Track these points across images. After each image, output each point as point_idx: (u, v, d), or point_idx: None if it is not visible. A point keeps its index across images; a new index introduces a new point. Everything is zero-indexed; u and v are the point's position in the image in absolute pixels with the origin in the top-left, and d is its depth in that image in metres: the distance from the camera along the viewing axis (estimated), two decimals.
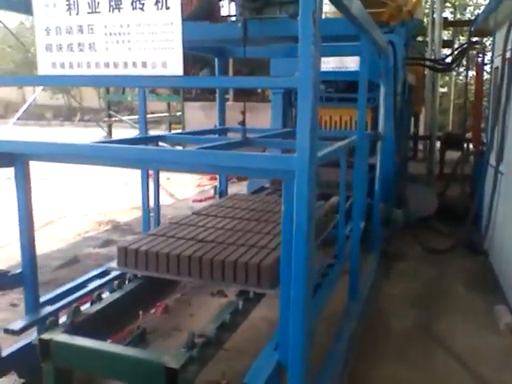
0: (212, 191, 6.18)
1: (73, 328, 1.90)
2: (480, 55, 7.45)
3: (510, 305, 3.32)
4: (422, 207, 5.07)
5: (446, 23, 10.29)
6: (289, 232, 1.62)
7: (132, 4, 1.61)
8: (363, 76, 2.75)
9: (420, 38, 8.40)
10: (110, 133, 11.07)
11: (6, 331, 1.92)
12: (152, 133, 11.28)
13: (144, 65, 1.66)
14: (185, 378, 1.62)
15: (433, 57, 8.25)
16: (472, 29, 5.60)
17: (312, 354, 1.86)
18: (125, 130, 11.03)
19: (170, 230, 2.66)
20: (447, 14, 14.92)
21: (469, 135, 7.86)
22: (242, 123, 3.05)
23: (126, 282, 2.43)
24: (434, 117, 8.23)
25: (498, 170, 4.06)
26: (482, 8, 5.36)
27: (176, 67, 1.62)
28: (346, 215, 2.93)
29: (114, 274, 2.54)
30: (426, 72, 8.04)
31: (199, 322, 2.68)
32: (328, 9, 5.22)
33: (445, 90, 16.20)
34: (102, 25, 1.69)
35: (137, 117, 9.78)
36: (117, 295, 2.23)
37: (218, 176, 4.36)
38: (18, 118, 11.79)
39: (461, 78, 15.14)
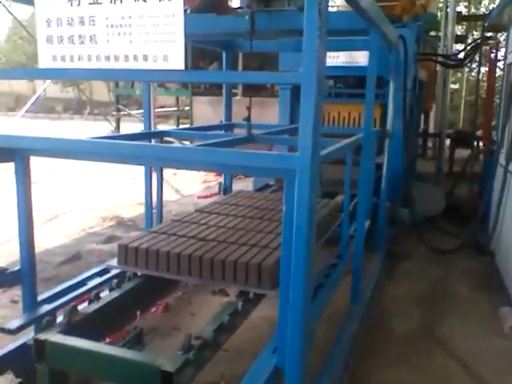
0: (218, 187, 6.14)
1: (69, 328, 1.87)
2: (493, 51, 7.30)
3: None
4: (429, 206, 5.00)
5: (460, 18, 10.11)
6: (289, 233, 1.57)
7: None
8: (371, 71, 2.68)
9: (433, 33, 8.25)
10: (118, 127, 11.07)
11: (2, 330, 1.89)
12: (160, 127, 11.33)
13: (145, 58, 1.62)
14: (180, 381, 1.59)
15: (445, 52, 8.10)
16: (486, 24, 5.46)
17: (312, 356, 1.83)
18: (133, 124, 11.04)
19: (172, 227, 2.62)
20: (461, 8, 14.70)
21: (479, 133, 7.73)
22: (247, 119, 3.00)
23: (127, 281, 2.38)
24: (444, 114, 8.10)
25: (507, 169, 3.97)
26: (497, 2, 5.23)
27: (177, 61, 1.58)
28: (350, 214, 2.88)
29: (114, 271, 2.51)
30: (437, 68, 7.89)
31: (199, 322, 2.65)
32: (340, 2, 5.13)
33: (456, 86, 15.98)
34: (104, 16, 1.65)
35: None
36: (115, 294, 2.19)
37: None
38: (29, 111, 11.86)
39: (473, 74, 14.91)
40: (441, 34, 9.10)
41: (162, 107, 13.96)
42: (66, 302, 2.20)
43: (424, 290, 3.71)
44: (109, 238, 4.45)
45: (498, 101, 6.73)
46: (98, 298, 2.10)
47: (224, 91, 4.05)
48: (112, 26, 1.64)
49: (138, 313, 2.20)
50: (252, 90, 9.33)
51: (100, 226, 4.98)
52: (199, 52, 9.70)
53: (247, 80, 2.29)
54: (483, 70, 10.31)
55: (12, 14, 9.67)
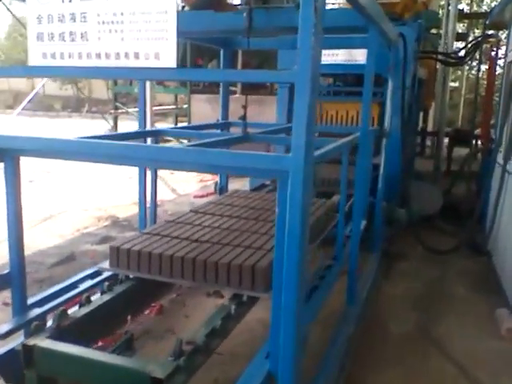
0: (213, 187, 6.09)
1: (58, 333, 1.83)
2: (494, 49, 7.26)
3: None
4: (426, 205, 4.97)
5: (461, 15, 10.06)
6: (282, 235, 1.54)
7: None
8: (369, 69, 2.64)
9: (434, 31, 8.20)
10: (115, 125, 11.02)
11: None
12: (158, 125, 11.26)
13: (136, 56, 1.58)
14: None
15: (445, 50, 8.05)
16: (487, 21, 5.42)
17: (307, 359, 1.79)
18: (132, 122, 10.97)
19: (166, 228, 2.58)
20: (463, 6, 14.63)
21: (478, 131, 7.69)
22: (243, 118, 2.95)
23: (119, 283, 2.34)
24: (442, 112, 8.06)
25: (505, 168, 3.93)
26: (499, 0, 5.18)
27: (169, 59, 1.54)
28: (346, 215, 2.84)
29: (106, 274, 2.46)
30: (437, 66, 7.85)
31: (194, 324, 2.61)
32: None
33: (456, 84, 15.93)
34: (95, 13, 1.61)
35: None
36: (107, 297, 2.15)
37: None
38: (27, 109, 11.81)
39: (473, 72, 14.86)
40: (442, 31, 9.05)
41: (161, 105, 13.90)
42: (57, 305, 2.15)
43: (421, 290, 3.68)
44: (103, 239, 4.40)
45: (497, 99, 6.68)
46: (88, 301, 2.06)
47: (221, 89, 3.99)
48: (103, 22, 1.60)
49: (129, 317, 2.15)
50: (251, 88, 9.29)
51: (95, 226, 4.93)
52: (198, 50, 9.63)
53: (240, 78, 2.26)
54: (483, 68, 10.27)
55: (11, 12, 9.59)
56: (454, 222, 4.98)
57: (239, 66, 9.53)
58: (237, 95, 8.98)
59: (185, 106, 11.42)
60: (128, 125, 10.69)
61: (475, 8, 16.51)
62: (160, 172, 5.20)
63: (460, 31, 12.65)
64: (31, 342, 1.74)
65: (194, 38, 3.89)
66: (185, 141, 6.47)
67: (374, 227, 3.70)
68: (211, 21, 2.86)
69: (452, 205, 5.27)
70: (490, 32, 6.44)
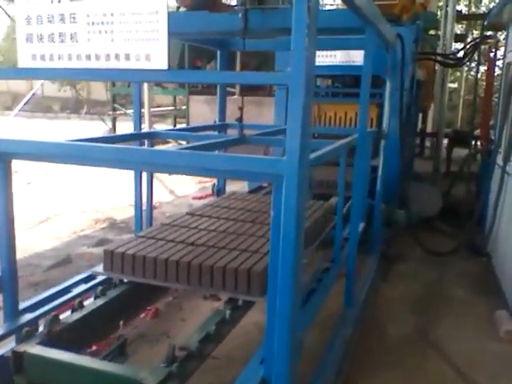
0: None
1: (49, 339, 1.80)
2: (492, 50, 7.24)
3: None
4: (425, 207, 4.95)
5: (459, 17, 10.04)
6: (277, 239, 1.51)
7: None
8: (367, 71, 2.61)
9: (432, 32, 8.18)
10: (114, 127, 10.98)
11: None
12: (157, 127, 11.23)
13: (127, 57, 1.55)
14: None
15: (444, 51, 8.03)
16: (485, 22, 5.40)
17: (304, 362, 1.76)
18: (130, 124, 10.92)
19: (161, 231, 2.55)
20: (462, 7, 14.63)
21: (477, 132, 7.67)
22: (239, 120, 2.92)
23: (113, 288, 2.31)
24: (441, 113, 8.03)
25: (505, 170, 3.91)
26: (497, 0, 5.16)
27: (160, 60, 1.51)
28: (345, 217, 2.81)
29: (100, 278, 2.43)
30: (436, 67, 7.83)
31: (190, 328, 2.57)
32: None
33: (455, 85, 15.91)
34: (85, 13, 1.58)
35: (142, 110, 9.71)
36: (100, 302, 2.12)
37: None
38: (26, 110, 11.77)
39: (472, 73, 14.85)
40: (440, 32, 9.03)
41: (159, 106, 13.88)
42: (49, 310, 2.11)
43: (419, 292, 3.66)
44: (100, 241, 4.37)
45: (496, 100, 6.66)
46: (81, 306, 2.03)
47: (218, 91, 3.97)
48: (93, 23, 1.57)
49: (121, 322, 2.12)
50: (249, 90, 9.25)
51: (92, 228, 4.90)
52: (196, 51, 9.61)
53: (232, 80, 2.23)
54: (482, 69, 10.26)
55: (7, 14, 9.56)
56: (454, 223, 4.96)
57: (238, 67, 9.50)
58: (235, 96, 8.95)
59: (183, 107, 11.39)
60: (127, 126, 10.66)
61: (473, 9, 16.50)
62: (158, 173, 5.18)
63: (458, 32, 12.65)
64: (21, 348, 1.71)
65: (191, 39, 3.86)
66: (183, 142, 6.44)
67: (372, 229, 3.67)
68: (206, 22, 2.84)
69: (451, 206, 5.24)
70: (489, 33, 6.43)
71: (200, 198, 6.23)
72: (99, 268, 2.28)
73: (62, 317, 1.99)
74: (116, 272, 2.23)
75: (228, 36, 3.63)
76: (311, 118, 1.52)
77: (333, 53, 4.53)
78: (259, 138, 3.13)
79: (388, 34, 3.04)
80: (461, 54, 6.23)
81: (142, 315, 2.88)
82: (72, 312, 2.01)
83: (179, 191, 6.87)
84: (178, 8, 3.29)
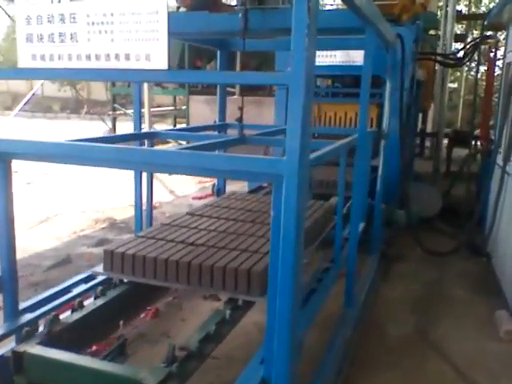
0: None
1: (49, 339, 1.80)
2: (492, 50, 7.23)
3: None
4: (425, 207, 4.95)
5: (459, 17, 10.02)
6: (277, 239, 1.51)
7: None
8: (367, 70, 2.61)
9: (432, 32, 8.18)
10: (114, 127, 10.97)
11: None
12: (157, 127, 11.20)
13: (127, 57, 1.55)
14: None
15: (444, 51, 8.03)
16: (485, 22, 5.39)
17: (305, 363, 1.76)
18: (131, 124, 10.90)
19: (161, 231, 2.55)
20: (462, 7, 14.62)
21: (477, 132, 7.67)
22: (239, 120, 2.92)
23: (113, 288, 2.31)
24: (441, 113, 8.02)
25: (505, 170, 3.90)
26: (497, 0, 5.15)
27: (160, 60, 1.51)
28: (345, 217, 2.81)
29: (100, 278, 2.43)
30: (436, 67, 7.82)
31: (190, 328, 2.57)
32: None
33: (455, 85, 15.91)
34: (85, 13, 1.58)
35: (142, 110, 9.71)
36: (100, 302, 2.12)
37: None
38: (26, 110, 11.75)
39: (472, 73, 14.85)
40: (440, 32, 9.02)
41: (160, 106, 13.87)
42: (49, 310, 2.11)
43: (419, 292, 3.65)
44: (100, 241, 4.37)
45: (496, 100, 6.66)
46: (81, 306, 2.03)
47: (218, 91, 3.96)
48: (93, 23, 1.58)
49: (121, 322, 2.12)
50: (249, 90, 9.24)
51: (92, 228, 4.90)
52: (197, 51, 9.61)
53: (231, 80, 2.23)
54: (482, 69, 10.25)
55: (7, 14, 9.55)
56: (454, 223, 4.95)
57: (238, 67, 9.50)
58: (235, 96, 8.94)
59: (183, 107, 11.39)
60: (127, 126, 10.65)
61: (473, 9, 16.50)
62: (158, 173, 5.18)
63: (458, 32, 12.65)
64: (21, 348, 1.71)
65: (191, 39, 3.86)
66: (183, 142, 6.43)
67: (372, 229, 3.67)
68: (206, 22, 2.84)
69: (451, 206, 5.24)
70: (489, 33, 6.42)
71: (200, 198, 6.22)
72: (99, 268, 2.28)
73: (62, 317, 1.99)
74: (116, 272, 2.23)
75: (228, 36, 3.63)
76: (311, 118, 1.52)
77: (333, 53, 4.53)
78: (259, 138, 3.13)
79: (388, 34, 3.04)
80: (461, 54, 6.23)
81: (142, 315, 2.88)
82: (72, 312, 2.01)
83: (179, 191, 6.87)
84: (178, 8, 3.29)
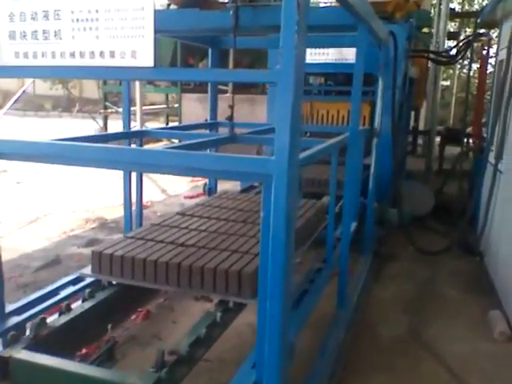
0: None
1: (36, 343, 1.76)
2: (485, 48, 7.25)
3: (505, 310, 3.17)
4: (418, 206, 4.94)
5: (452, 14, 10.04)
6: (267, 241, 1.47)
7: None
8: (359, 68, 2.59)
9: (425, 30, 8.18)
10: (105, 125, 10.87)
11: None
12: (149, 125, 11.08)
13: (112, 54, 1.51)
14: None
15: (437, 49, 8.03)
16: (478, 20, 5.39)
17: (296, 365, 1.73)
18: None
19: (151, 232, 2.51)
20: (455, 5, 14.66)
21: (469, 130, 7.69)
22: (230, 118, 2.88)
23: (101, 290, 2.27)
24: (433, 111, 8.03)
25: (497, 168, 3.90)
26: None
27: (146, 57, 1.47)
28: (337, 216, 2.79)
29: (89, 280, 2.38)
30: (429, 65, 7.82)
31: (181, 330, 2.54)
32: None
33: (448, 83, 15.96)
34: (69, 10, 1.54)
35: (134, 108, 9.62)
36: (88, 305, 2.08)
37: None
38: (18, 109, 11.59)
39: (464, 71, 14.90)
40: (433, 30, 9.03)
41: (152, 104, 13.77)
42: (37, 313, 2.06)
43: (412, 292, 3.63)
44: (90, 241, 4.31)
45: (488, 98, 6.67)
46: (68, 309, 1.99)
47: (209, 89, 3.92)
48: (78, 20, 1.53)
49: (109, 326, 2.07)
50: (242, 88, 9.18)
51: (82, 228, 4.84)
52: (189, 49, 9.53)
53: (220, 78, 2.19)
54: (475, 66, 10.28)
55: None
56: (446, 221, 4.95)
57: (231, 65, 9.43)
58: (227, 94, 8.87)
59: (176, 105, 11.31)
60: (119, 125, 10.55)
61: (466, 7, 16.56)
62: (147, 173, 5.12)
63: (452, 30, 12.67)
64: (7, 353, 1.67)
65: (182, 37, 3.81)
66: (176, 141, 6.37)
67: (364, 228, 3.65)
68: (197, 19, 2.79)
69: (444, 204, 5.24)
70: (482, 31, 6.43)
71: (192, 197, 6.17)
72: (87, 270, 2.24)
73: (49, 320, 1.94)
74: (104, 274, 2.19)
75: (219, 33, 3.59)
76: (302, 117, 1.49)
77: (325, 51, 4.50)
78: (250, 136, 3.10)
79: (380, 32, 3.02)
80: (454, 51, 6.23)
81: (133, 317, 2.83)
82: (59, 315, 1.96)
83: (171, 190, 6.81)
84: (169, 5, 3.24)
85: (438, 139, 8.36)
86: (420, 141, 10.42)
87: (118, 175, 6.91)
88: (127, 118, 2.98)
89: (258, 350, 1.61)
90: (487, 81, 7.75)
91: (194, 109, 9.79)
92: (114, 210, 5.32)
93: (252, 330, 2.68)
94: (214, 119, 3.87)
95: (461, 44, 5.94)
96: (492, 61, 6.85)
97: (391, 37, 3.71)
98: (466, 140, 7.62)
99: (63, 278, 2.43)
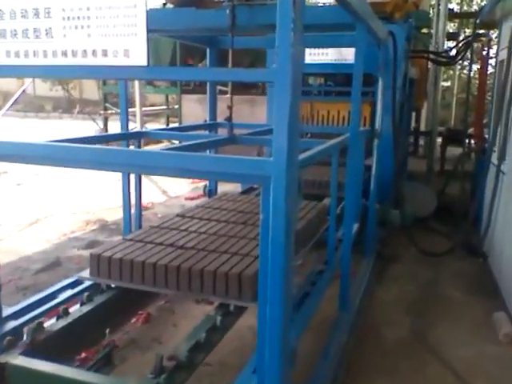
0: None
1: (33, 348, 1.73)
2: (485, 48, 7.22)
3: (510, 312, 3.14)
4: (420, 207, 4.91)
5: (451, 15, 10.01)
6: (266, 244, 1.45)
7: None
8: (358, 68, 2.56)
9: (424, 30, 8.16)
10: (105, 126, 10.85)
11: None
12: (150, 126, 11.05)
13: (104, 53, 1.48)
14: None
15: (436, 49, 8.01)
16: (478, 20, 5.37)
17: (299, 368, 1.70)
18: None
19: (150, 234, 2.49)
20: (454, 5, 14.63)
21: (471, 131, 7.66)
22: (229, 119, 2.86)
23: (100, 293, 2.24)
24: (434, 112, 8.01)
25: (499, 169, 3.87)
26: None
27: (139, 56, 1.44)
28: (338, 218, 2.76)
29: (88, 283, 2.36)
30: (429, 65, 7.80)
31: (182, 333, 2.50)
32: None
33: (448, 83, 15.93)
34: (60, 8, 1.51)
35: (134, 110, 9.60)
36: (86, 309, 2.05)
37: None
38: (18, 110, 11.56)
39: (465, 71, 14.87)
40: (432, 31, 9.01)
41: (153, 106, 13.76)
42: (34, 317, 2.03)
43: (415, 294, 3.60)
44: (90, 243, 4.28)
45: (489, 98, 6.65)
46: (66, 313, 1.96)
47: (208, 89, 3.90)
48: (69, 18, 1.50)
49: (108, 330, 2.04)
50: (242, 88, 9.15)
51: (82, 230, 4.81)
52: (188, 50, 9.52)
53: (214, 77, 2.16)
54: (475, 67, 10.25)
55: None
56: (448, 222, 4.92)
57: (230, 65, 9.40)
58: (227, 95, 8.87)
59: (176, 106, 11.29)
60: (119, 126, 10.51)
61: (465, 8, 16.53)
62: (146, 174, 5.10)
63: (451, 31, 12.66)
64: (3, 359, 1.64)
65: (179, 37, 3.79)
66: (177, 142, 6.35)
67: (366, 230, 3.62)
68: (194, 18, 2.77)
69: (446, 205, 5.21)
70: (481, 31, 6.41)
71: (193, 198, 6.14)
72: (85, 273, 2.21)
73: (46, 324, 1.91)
74: (103, 277, 2.16)
75: (217, 33, 3.57)
76: (302, 117, 1.46)
77: (325, 51, 4.48)
78: (249, 137, 3.07)
79: (379, 31, 2.99)
80: (453, 52, 6.21)
81: (133, 320, 2.80)
82: (57, 319, 1.94)
83: (172, 191, 6.78)
84: (165, 4, 3.21)
85: (439, 140, 8.33)
86: (421, 142, 10.39)
87: (118, 176, 6.90)
88: (125, 118, 2.95)
89: (258, 355, 1.58)
90: (488, 81, 7.73)
91: (194, 110, 9.77)
92: (115, 212, 5.28)
93: (253, 332, 2.64)
94: (214, 120, 3.85)
95: (460, 44, 5.92)
96: (492, 61, 6.83)
97: (390, 37, 3.68)
98: (467, 141, 7.59)
99: (62, 282, 2.40)
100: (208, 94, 3.86)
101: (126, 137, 2.85)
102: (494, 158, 4.08)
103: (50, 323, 1.93)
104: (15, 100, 11.33)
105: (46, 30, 1.51)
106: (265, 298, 1.48)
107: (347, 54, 4.43)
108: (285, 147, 1.33)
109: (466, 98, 7.98)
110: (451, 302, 3.48)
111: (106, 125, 10.85)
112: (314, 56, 4.44)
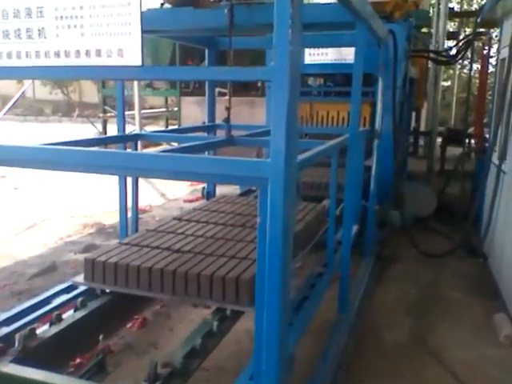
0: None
1: (24, 356, 1.68)
2: (485, 47, 7.18)
3: (510, 313, 3.10)
4: (420, 207, 4.87)
5: (452, 14, 9.99)
6: (263, 247, 1.40)
7: None
8: (358, 67, 2.53)
9: (425, 30, 8.13)
10: (104, 129, 10.81)
11: None
12: (149, 128, 11.00)
13: (98, 53, 1.45)
14: None
15: (437, 49, 7.98)
16: (478, 19, 5.33)
17: (297, 370, 1.66)
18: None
19: (146, 238, 2.44)
20: (454, 4, 14.62)
21: (471, 131, 7.62)
22: (227, 120, 2.82)
23: (94, 299, 2.20)
24: (434, 111, 7.97)
25: (500, 168, 3.83)
26: None
27: (134, 56, 1.41)
28: (338, 219, 2.72)
29: (82, 288, 2.31)
30: (429, 65, 7.76)
31: (179, 338, 2.46)
32: None
33: (448, 83, 15.90)
34: (53, 7, 1.48)
35: (133, 112, 9.55)
36: (79, 315, 2.01)
37: None
38: (18, 114, 11.53)
39: (465, 71, 14.84)
40: (432, 30, 8.98)
41: (152, 108, 13.73)
42: (27, 323, 1.99)
43: (415, 295, 3.56)
44: (87, 247, 4.24)
45: (490, 98, 6.61)
46: (59, 319, 1.92)
47: (206, 91, 3.86)
48: (62, 17, 1.47)
49: (101, 337, 2.00)
50: (242, 90, 9.12)
51: (79, 233, 4.77)
52: (188, 51, 9.48)
53: (209, 76, 2.13)
54: (475, 66, 10.22)
55: None
56: (449, 222, 4.88)
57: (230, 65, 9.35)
58: (227, 97, 8.83)
59: (175, 108, 11.26)
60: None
61: (465, 7, 16.52)
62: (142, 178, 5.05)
63: (451, 30, 12.64)
64: None
65: (178, 37, 3.75)
66: (175, 144, 6.30)
67: (366, 231, 3.58)
68: (192, 18, 2.73)
69: (446, 205, 5.17)
70: (482, 30, 6.37)
71: (191, 200, 6.10)
72: (80, 278, 2.17)
73: (39, 331, 1.87)
74: (97, 282, 2.12)
75: (215, 33, 3.53)
76: (301, 118, 1.42)
77: (324, 51, 4.45)
78: (248, 139, 3.03)
79: (380, 30, 2.96)
80: (454, 51, 6.17)
81: (129, 325, 2.76)
82: (50, 326, 1.89)
83: (170, 194, 6.74)
84: (162, 4, 3.17)
85: (439, 140, 8.29)
86: (421, 142, 10.35)
87: (116, 179, 6.86)
88: (122, 121, 2.90)
89: (255, 361, 1.53)
90: (488, 80, 7.69)
91: (193, 112, 9.73)
92: (112, 215, 5.23)
93: (250, 336, 2.59)
94: (212, 122, 3.81)
95: (461, 44, 5.88)
96: (493, 60, 6.79)
97: (391, 36, 3.65)
98: (467, 141, 7.55)
99: (56, 287, 2.36)
100: (206, 96, 3.82)
101: (122, 139, 2.81)
102: (495, 158, 4.04)
103: (42, 329, 1.88)
104: (14, 103, 11.29)
105: (39, 30, 1.48)
106: (262, 302, 1.44)
107: (347, 54, 4.39)
108: (283, 148, 1.29)
109: (467, 97, 7.94)
110: (451, 303, 3.44)
111: (105, 128, 10.82)
112: (314, 56, 4.40)
